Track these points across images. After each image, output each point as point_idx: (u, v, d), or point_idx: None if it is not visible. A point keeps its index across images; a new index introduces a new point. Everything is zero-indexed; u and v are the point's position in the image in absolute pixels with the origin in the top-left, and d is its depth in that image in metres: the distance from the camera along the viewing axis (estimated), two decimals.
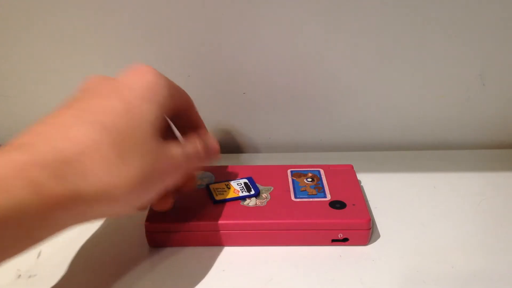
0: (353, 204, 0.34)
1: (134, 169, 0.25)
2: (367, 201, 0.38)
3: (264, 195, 0.36)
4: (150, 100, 0.27)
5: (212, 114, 0.46)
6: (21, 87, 0.44)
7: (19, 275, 0.31)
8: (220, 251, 0.33)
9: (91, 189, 0.24)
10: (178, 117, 0.32)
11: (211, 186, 0.36)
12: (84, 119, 0.25)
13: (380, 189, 0.40)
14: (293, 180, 0.37)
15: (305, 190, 0.36)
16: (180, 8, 0.40)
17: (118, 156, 0.25)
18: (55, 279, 0.31)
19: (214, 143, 0.33)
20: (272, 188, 0.36)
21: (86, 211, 0.25)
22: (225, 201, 0.35)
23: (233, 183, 0.37)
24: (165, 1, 0.39)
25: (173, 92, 0.29)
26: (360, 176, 0.40)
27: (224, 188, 0.36)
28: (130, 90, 0.27)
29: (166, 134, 0.31)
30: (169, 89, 0.29)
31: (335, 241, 0.33)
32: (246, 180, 0.37)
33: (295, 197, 0.35)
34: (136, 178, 0.25)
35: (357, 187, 0.36)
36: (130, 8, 0.40)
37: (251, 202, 0.35)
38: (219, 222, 0.33)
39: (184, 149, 0.29)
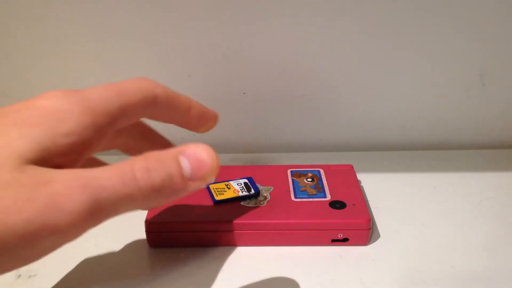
0: (353, 204, 0.34)
1: None
2: (367, 201, 0.38)
3: (264, 195, 0.36)
4: (27, 125, 0.20)
5: None
6: (22, 87, 0.44)
7: (19, 275, 0.31)
8: (220, 251, 0.33)
9: None
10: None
11: (211, 186, 0.36)
12: None
13: (380, 189, 0.40)
14: (293, 180, 0.37)
15: (305, 190, 0.36)
16: (180, 8, 0.40)
17: None
18: (55, 279, 0.31)
19: (198, 160, 0.21)
20: (272, 188, 0.36)
21: None
22: (225, 201, 0.35)
23: (233, 183, 0.37)
24: (165, 1, 0.39)
25: (89, 116, 0.21)
26: (360, 176, 0.40)
27: (224, 188, 0.36)
28: (4, 116, 0.20)
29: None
30: (78, 114, 0.21)
31: (335, 241, 0.33)
32: (246, 180, 0.37)
33: (295, 197, 0.35)
34: None
35: (357, 187, 0.36)
36: (131, 7, 0.40)
37: (251, 202, 0.35)
38: (219, 222, 0.33)
39: (87, 173, 0.19)
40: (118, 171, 0.20)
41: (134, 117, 0.24)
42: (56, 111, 0.21)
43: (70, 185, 0.18)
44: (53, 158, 0.20)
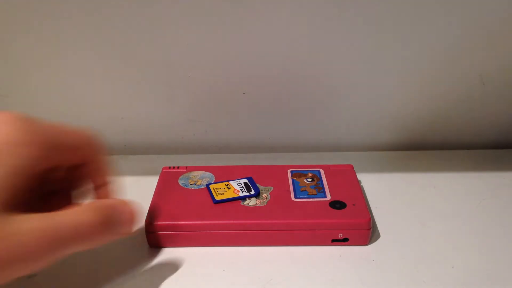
0: (353, 204, 0.34)
1: None
2: (367, 201, 0.38)
3: (264, 195, 0.36)
4: None
5: (212, 114, 0.46)
6: (20, 87, 0.44)
7: None
8: (220, 251, 0.33)
9: None
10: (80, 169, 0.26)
11: (211, 186, 0.36)
12: None
13: (380, 189, 0.40)
14: (293, 180, 0.37)
15: (305, 190, 0.36)
16: (180, 9, 0.40)
17: None
18: (55, 279, 0.31)
19: (125, 208, 0.25)
20: (272, 188, 0.36)
21: None
22: (225, 201, 0.35)
23: (233, 183, 0.37)
24: (165, 2, 0.39)
25: (46, 150, 0.22)
26: (360, 176, 0.40)
27: (224, 188, 0.36)
28: None
29: (47, 201, 0.25)
30: (38, 147, 0.22)
31: (335, 241, 0.33)
32: (246, 180, 0.37)
33: (295, 197, 0.35)
34: None
35: (357, 187, 0.36)
36: (130, 9, 0.40)
37: (251, 202, 0.35)
38: (219, 222, 0.33)
39: (50, 222, 0.21)
40: (84, 218, 0.23)
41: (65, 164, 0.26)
42: (9, 142, 0.21)
43: (39, 230, 0.21)
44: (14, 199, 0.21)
